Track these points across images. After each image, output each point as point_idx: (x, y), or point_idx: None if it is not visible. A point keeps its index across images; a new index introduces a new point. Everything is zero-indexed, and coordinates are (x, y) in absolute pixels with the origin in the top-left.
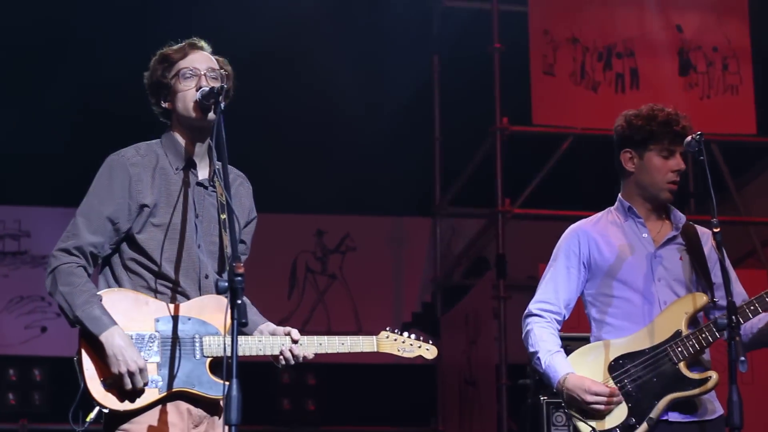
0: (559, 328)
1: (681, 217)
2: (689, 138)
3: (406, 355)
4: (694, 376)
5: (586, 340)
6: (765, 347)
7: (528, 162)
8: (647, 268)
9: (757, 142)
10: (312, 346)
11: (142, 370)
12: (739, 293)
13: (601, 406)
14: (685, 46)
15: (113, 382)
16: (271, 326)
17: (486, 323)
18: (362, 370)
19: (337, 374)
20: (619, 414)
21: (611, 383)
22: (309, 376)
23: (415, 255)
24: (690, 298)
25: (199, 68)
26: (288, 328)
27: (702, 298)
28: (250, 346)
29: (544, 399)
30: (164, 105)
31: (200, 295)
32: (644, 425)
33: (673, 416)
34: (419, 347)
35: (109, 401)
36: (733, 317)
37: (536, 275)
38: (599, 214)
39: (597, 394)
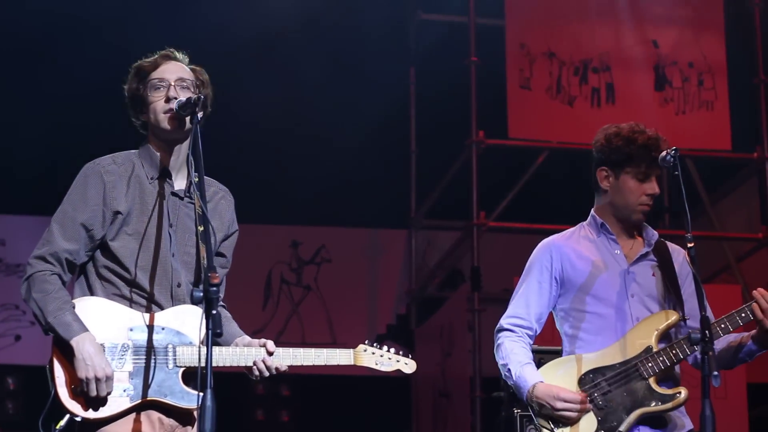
0: (531, 342)
1: (653, 234)
2: (664, 153)
3: (383, 368)
4: (664, 391)
5: (559, 354)
6: (722, 369)
7: (503, 175)
8: (620, 285)
9: (731, 158)
10: (287, 358)
11: (108, 378)
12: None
13: (571, 413)
14: (661, 61)
15: (82, 390)
16: (247, 338)
17: (460, 336)
18: (337, 382)
19: (311, 386)
20: (588, 427)
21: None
22: (283, 388)
23: (391, 267)
24: (662, 314)
25: (169, 78)
26: (263, 340)
27: (673, 315)
28: (224, 356)
29: (517, 412)
30: (142, 118)
31: (173, 304)
32: None
33: (644, 431)
34: (398, 361)
35: (80, 409)
36: (707, 332)
37: (511, 288)
38: (572, 229)
39: (566, 401)
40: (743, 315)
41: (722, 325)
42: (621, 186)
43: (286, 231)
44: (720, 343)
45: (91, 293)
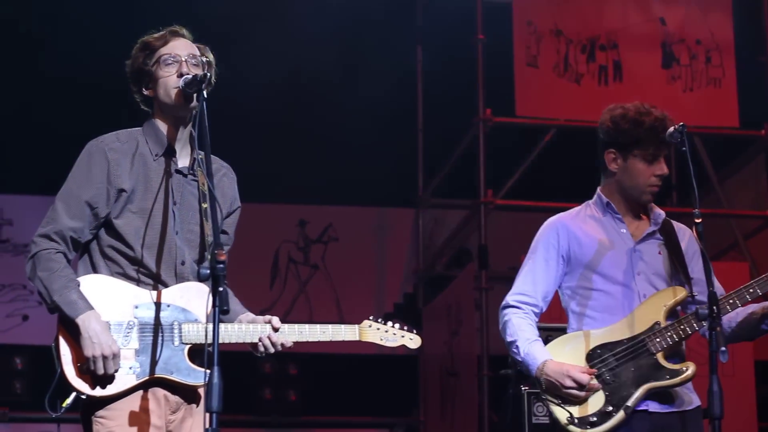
0: (537, 320)
1: (659, 213)
2: (671, 129)
3: (388, 344)
4: (672, 366)
5: (565, 331)
6: (743, 341)
7: (511, 153)
8: (627, 263)
9: (739, 135)
10: (293, 334)
11: (115, 356)
12: (716, 288)
13: (580, 392)
14: (669, 39)
15: (89, 368)
16: (251, 315)
17: (468, 314)
18: (344, 361)
19: (318, 364)
20: (596, 401)
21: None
22: (291, 366)
23: (398, 246)
24: (669, 291)
25: (180, 55)
26: (269, 317)
27: (681, 292)
28: (230, 333)
29: (525, 389)
30: (145, 92)
31: (176, 281)
32: (621, 413)
33: (653, 406)
34: (402, 336)
35: (86, 387)
36: (714, 308)
37: (518, 267)
38: (578, 208)
39: (576, 380)
40: (751, 290)
41: (731, 301)
42: (629, 168)
43: (294, 210)
44: (740, 314)
45: (95, 272)
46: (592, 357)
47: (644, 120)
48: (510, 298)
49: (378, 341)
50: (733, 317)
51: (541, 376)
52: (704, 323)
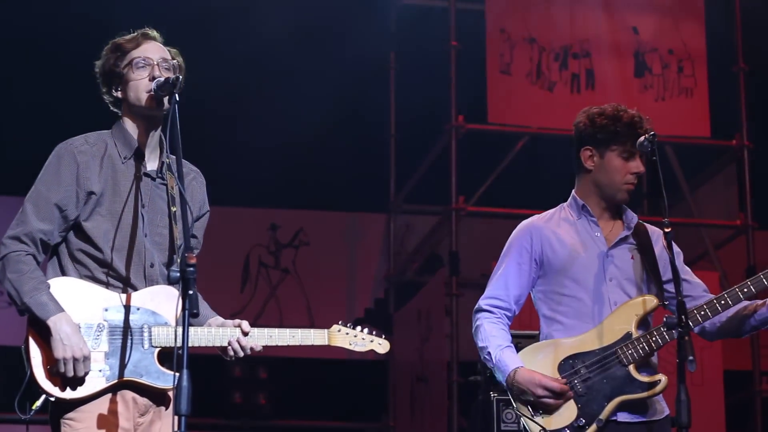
0: (510, 323)
1: (633, 217)
2: (642, 138)
3: (357, 349)
4: (643, 378)
5: (536, 338)
6: (732, 336)
7: (483, 160)
8: (599, 267)
9: (710, 144)
10: (262, 338)
11: (86, 358)
12: (698, 284)
13: (551, 401)
14: (641, 48)
15: (59, 370)
16: (220, 319)
17: (438, 320)
18: (314, 365)
19: (289, 368)
20: (569, 414)
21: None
22: (261, 370)
23: (369, 251)
24: (640, 300)
25: (152, 58)
26: (238, 320)
27: (652, 302)
28: (199, 336)
29: (494, 396)
30: (115, 94)
31: (146, 284)
32: (593, 426)
33: (622, 416)
34: (371, 341)
35: (55, 389)
36: (683, 317)
37: (489, 273)
38: (552, 211)
39: (547, 388)
40: (723, 302)
41: (701, 313)
42: (606, 164)
43: (265, 214)
44: (729, 311)
45: (64, 274)
46: (563, 368)
47: (622, 115)
48: (483, 302)
49: (347, 346)
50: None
51: (512, 383)
52: (673, 331)
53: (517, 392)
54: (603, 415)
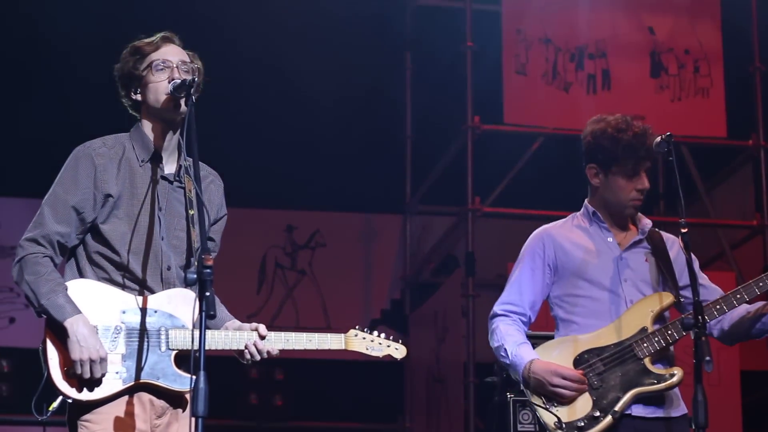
0: (526, 329)
1: (647, 223)
2: (659, 139)
3: (374, 354)
4: (659, 371)
5: (552, 338)
6: (741, 340)
7: (499, 161)
8: (614, 270)
9: (726, 144)
10: (279, 342)
11: (102, 360)
12: (714, 289)
13: (568, 391)
14: (657, 48)
15: (75, 371)
16: (237, 322)
17: (454, 321)
18: (331, 366)
19: (305, 370)
20: (584, 406)
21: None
22: (277, 371)
23: (385, 252)
24: (656, 296)
25: (172, 60)
26: (255, 324)
27: (668, 297)
28: (216, 340)
29: (510, 397)
30: (134, 97)
31: (163, 287)
32: (609, 418)
33: (637, 410)
34: (388, 346)
35: (72, 391)
36: (700, 317)
37: (505, 274)
38: (565, 219)
39: (564, 377)
40: (738, 296)
41: (717, 307)
42: (611, 184)
43: (281, 215)
44: (737, 313)
45: (82, 276)
46: (579, 362)
47: (621, 137)
48: (498, 307)
49: (364, 351)
50: (728, 317)
51: (528, 375)
52: (690, 332)
53: (533, 384)
54: (618, 407)
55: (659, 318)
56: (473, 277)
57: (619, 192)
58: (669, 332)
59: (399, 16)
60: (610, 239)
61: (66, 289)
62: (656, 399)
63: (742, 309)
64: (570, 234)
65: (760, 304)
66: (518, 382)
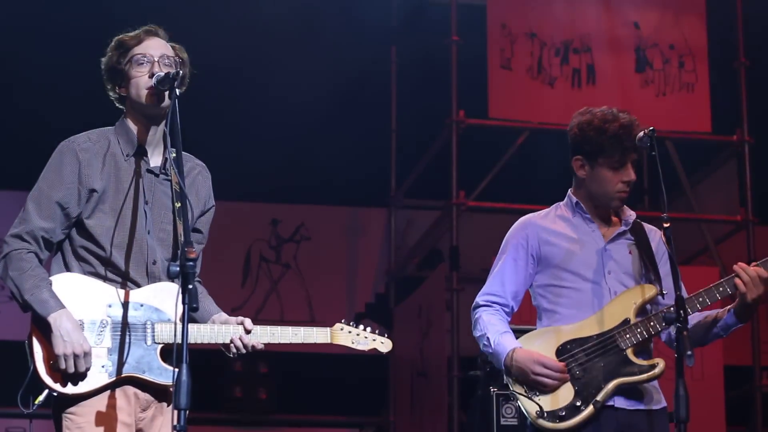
0: (509, 319)
1: (630, 214)
2: (641, 134)
3: (359, 347)
4: (641, 362)
5: None
6: (696, 345)
7: (483, 155)
8: (597, 262)
9: (711, 140)
10: (265, 335)
11: (86, 354)
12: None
13: (549, 380)
14: (642, 43)
15: (59, 366)
16: (224, 316)
17: (439, 315)
18: (314, 360)
19: (289, 363)
20: (566, 395)
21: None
22: (261, 365)
23: (370, 246)
24: (639, 288)
25: (153, 54)
26: (241, 318)
27: (651, 290)
28: (202, 334)
29: (494, 391)
30: (118, 91)
31: (148, 280)
32: (590, 408)
33: (619, 402)
34: (374, 340)
35: (58, 384)
36: (681, 311)
37: (489, 268)
38: (548, 209)
39: (546, 366)
40: (721, 289)
41: (699, 299)
42: (596, 175)
43: (266, 209)
44: (693, 319)
45: (68, 271)
46: (561, 352)
47: (607, 128)
48: (480, 298)
49: (349, 344)
50: (690, 320)
51: (510, 363)
52: (671, 326)
53: (515, 372)
54: (600, 397)
55: (642, 310)
56: (458, 271)
57: (605, 184)
58: (651, 323)
59: (384, 9)
60: (593, 230)
61: (50, 284)
62: (638, 391)
63: (698, 315)
64: (553, 224)
65: (714, 312)
66: (502, 376)
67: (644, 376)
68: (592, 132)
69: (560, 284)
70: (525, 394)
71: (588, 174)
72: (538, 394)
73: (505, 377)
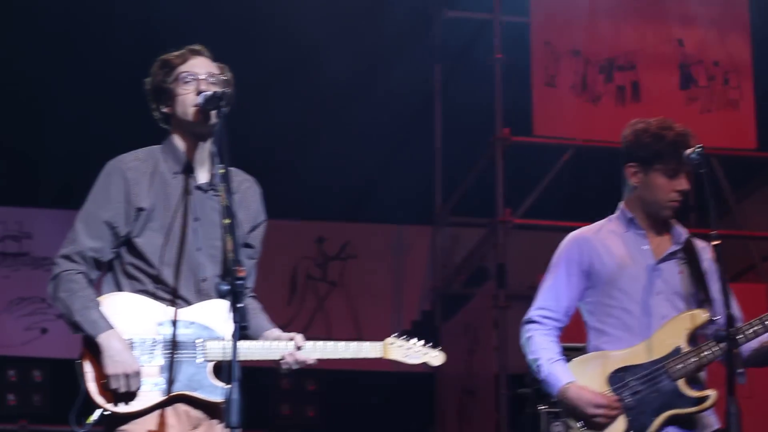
0: (559, 335)
1: (682, 232)
2: (689, 150)
3: (411, 361)
4: (693, 393)
5: (583, 351)
6: (756, 366)
7: (529, 173)
8: (646, 281)
9: (756, 156)
10: (316, 351)
11: (136, 374)
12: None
13: (604, 419)
14: (687, 60)
15: (110, 386)
16: (276, 332)
17: (485, 333)
18: (362, 377)
19: (337, 381)
20: (618, 427)
21: (610, 394)
22: (309, 382)
23: (416, 263)
24: (689, 315)
25: (199, 73)
26: (292, 334)
27: (701, 316)
28: (253, 351)
29: (542, 409)
30: (164, 110)
31: (198, 298)
32: None
33: (671, 431)
34: (425, 353)
35: (110, 404)
36: (731, 329)
37: (536, 285)
38: (600, 223)
39: (600, 406)
40: None
41: (754, 328)
42: (650, 182)
43: (312, 227)
44: (754, 344)
45: (119, 289)
46: (613, 380)
47: (665, 134)
48: (533, 313)
49: (401, 358)
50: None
51: (563, 399)
52: (720, 345)
53: (569, 407)
54: (652, 429)
55: (692, 337)
56: (504, 288)
57: (658, 191)
58: (703, 354)
59: (428, 27)
60: (644, 247)
61: (98, 305)
62: (690, 420)
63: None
64: (605, 240)
65: None
66: (550, 394)
67: (695, 408)
68: (648, 138)
69: (609, 302)
70: (576, 427)
71: (641, 181)
72: (591, 427)
73: (559, 405)
